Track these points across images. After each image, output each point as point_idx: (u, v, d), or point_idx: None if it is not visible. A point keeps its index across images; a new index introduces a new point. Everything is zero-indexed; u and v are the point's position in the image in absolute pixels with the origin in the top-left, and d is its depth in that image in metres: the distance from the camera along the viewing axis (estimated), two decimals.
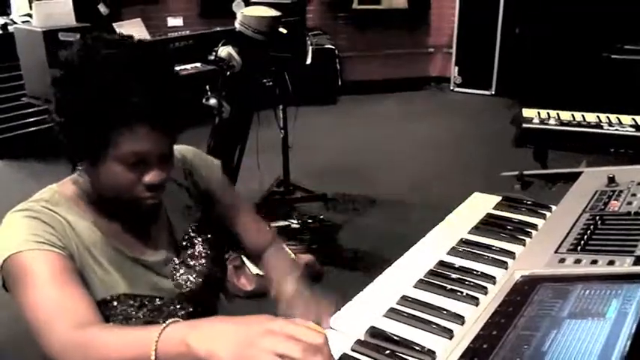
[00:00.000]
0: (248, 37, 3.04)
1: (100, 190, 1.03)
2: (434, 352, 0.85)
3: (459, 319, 0.92)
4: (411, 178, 4.17)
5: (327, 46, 5.72)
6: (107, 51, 0.95)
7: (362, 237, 3.45)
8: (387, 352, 0.86)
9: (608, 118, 2.19)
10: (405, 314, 0.94)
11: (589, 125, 2.10)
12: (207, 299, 1.22)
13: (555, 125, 2.08)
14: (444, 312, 0.94)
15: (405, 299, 0.98)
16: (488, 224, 1.23)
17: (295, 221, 3.61)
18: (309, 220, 3.67)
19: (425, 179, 4.15)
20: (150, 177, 1.00)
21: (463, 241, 1.16)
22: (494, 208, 1.30)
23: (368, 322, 0.92)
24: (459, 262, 1.09)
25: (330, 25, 5.96)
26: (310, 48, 3.94)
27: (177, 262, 1.15)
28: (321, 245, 3.42)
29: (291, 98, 3.80)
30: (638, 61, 4.10)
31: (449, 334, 0.89)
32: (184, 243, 1.17)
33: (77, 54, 0.96)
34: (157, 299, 1.09)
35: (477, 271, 1.04)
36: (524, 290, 0.91)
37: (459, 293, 0.98)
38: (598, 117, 2.20)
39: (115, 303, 1.04)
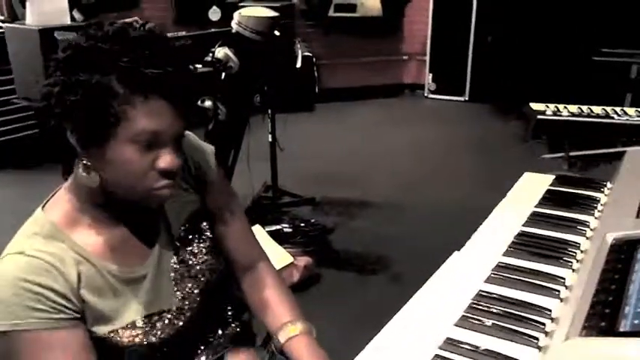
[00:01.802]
0: (246, 37, 3.03)
1: (109, 184, 0.94)
2: (550, 311, 0.86)
3: (560, 282, 0.94)
4: (395, 182, 4.23)
5: (304, 54, 5.75)
6: (118, 27, 0.90)
7: (354, 239, 3.47)
8: (501, 312, 0.86)
9: (613, 109, 2.28)
10: (508, 279, 0.95)
11: (599, 116, 2.18)
12: (215, 296, 1.16)
13: (569, 116, 2.15)
14: (543, 274, 0.95)
15: (500, 266, 0.99)
16: (551, 200, 1.26)
17: (287, 225, 3.60)
18: (301, 224, 3.67)
19: (409, 182, 4.22)
20: (164, 162, 0.92)
21: (535, 214, 1.18)
22: (552, 185, 1.34)
23: (476, 287, 0.93)
24: (538, 231, 1.11)
25: (307, 33, 5.99)
26: (300, 52, 3.96)
27: (177, 262, 1.08)
28: (315, 248, 3.42)
29: (278, 104, 3.81)
30: (614, 63, 4.28)
31: (556, 295, 0.90)
32: (182, 239, 1.10)
33: (85, 33, 0.90)
34: (166, 312, 1.04)
35: (560, 239, 1.07)
36: (623, 251, 0.94)
37: (549, 259, 1.00)
38: (604, 109, 2.28)
39: (129, 332, 0.99)
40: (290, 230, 3.65)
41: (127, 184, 0.93)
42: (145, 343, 0.99)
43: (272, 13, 3.07)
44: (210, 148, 1.16)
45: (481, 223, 1.32)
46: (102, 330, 0.96)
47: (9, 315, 0.89)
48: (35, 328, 0.89)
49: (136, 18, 1.00)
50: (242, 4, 4.19)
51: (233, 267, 1.19)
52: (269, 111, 3.77)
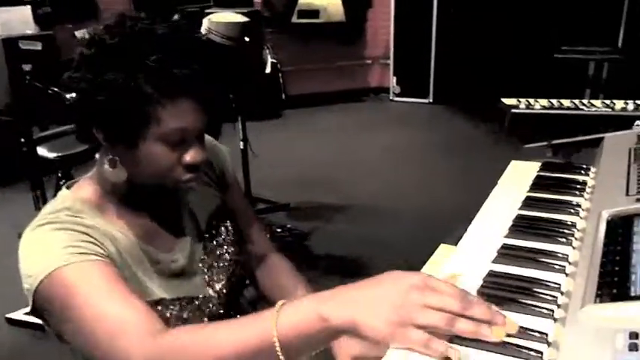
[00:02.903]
0: (216, 44, 3.03)
1: (136, 179, 0.97)
2: (559, 284, 0.90)
3: (564, 259, 0.98)
4: (369, 185, 4.29)
5: (270, 61, 5.76)
6: (146, 23, 0.91)
7: (332, 243, 3.50)
8: (513, 288, 0.90)
9: (581, 102, 2.37)
10: (514, 258, 0.99)
11: (570, 108, 2.26)
12: (239, 288, 1.21)
13: (541, 109, 2.22)
14: (547, 252, 1.00)
15: (505, 248, 1.04)
16: (542, 184, 1.31)
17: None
18: (278, 230, 3.67)
19: (382, 184, 4.29)
20: (191, 156, 0.95)
21: (529, 198, 1.23)
22: (540, 171, 1.39)
23: (485, 268, 0.97)
24: (535, 214, 1.16)
25: (271, 40, 6.01)
26: (269, 57, 3.97)
27: (204, 253, 1.12)
28: (294, 254, 3.43)
29: (248, 111, 3.81)
30: (573, 61, 4.44)
31: (562, 270, 0.94)
32: (209, 232, 1.14)
33: (108, 31, 0.91)
34: (195, 299, 1.06)
35: (556, 219, 1.12)
36: (620, 225, 0.99)
37: (550, 238, 1.05)
38: (572, 102, 2.37)
39: (160, 307, 0.99)
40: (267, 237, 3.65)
41: (154, 179, 0.96)
42: (173, 325, 0.99)
43: (242, 19, 3.09)
44: (226, 149, 1.22)
45: (459, 221, 1.37)
46: None
47: (44, 264, 0.87)
48: (72, 262, 0.87)
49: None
50: (207, 11, 4.20)
51: (249, 260, 1.25)
52: (239, 118, 3.78)
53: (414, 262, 1.40)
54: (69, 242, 0.89)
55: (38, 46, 2.78)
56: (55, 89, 2.67)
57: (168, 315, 1.00)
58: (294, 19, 6.03)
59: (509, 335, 0.75)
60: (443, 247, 1.48)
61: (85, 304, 0.84)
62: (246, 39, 3.30)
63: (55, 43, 2.82)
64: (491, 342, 0.73)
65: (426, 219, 3.57)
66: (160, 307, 0.99)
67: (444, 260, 1.17)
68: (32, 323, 2.55)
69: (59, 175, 2.96)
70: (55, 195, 2.07)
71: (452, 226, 1.51)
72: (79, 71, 0.91)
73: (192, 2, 5.26)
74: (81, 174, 1.08)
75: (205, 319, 1.07)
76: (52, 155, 2.96)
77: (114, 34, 0.90)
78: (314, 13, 6.02)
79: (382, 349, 1.04)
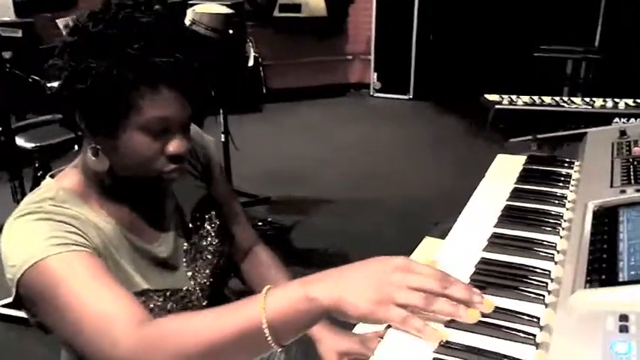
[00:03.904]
0: (200, 35, 3.01)
1: (118, 168, 0.96)
2: (549, 271, 0.93)
3: (552, 247, 1.01)
4: (349, 179, 4.31)
5: (252, 54, 5.74)
6: (129, 11, 0.90)
7: (314, 237, 3.52)
8: (505, 274, 0.92)
9: (562, 99, 2.41)
10: (506, 245, 1.02)
11: (551, 104, 2.30)
12: (223, 280, 1.21)
13: (524, 105, 2.26)
14: (536, 241, 1.03)
15: (495, 237, 1.06)
16: (528, 177, 1.34)
17: None
18: (259, 223, 3.67)
19: (363, 178, 4.32)
20: (174, 147, 0.94)
21: (516, 190, 1.26)
22: (526, 163, 1.42)
23: (477, 256, 0.99)
24: (522, 205, 1.19)
25: (252, 34, 5.99)
26: (252, 50, 3.96)
27: (188, 245, 1.11)
28: (275, 247, 3.44)
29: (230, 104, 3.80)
30: (552, 59, 4.52)
31: (551, 258, 0.97)
32: (193, 224, 1.13)
33: (92, 18, 0.90)
34: (179, 292, 1.06)
35: (544, 210, 1.15)
36: (607, 215, 1.02)
37: (538, 227, 1.08)
38: (553, 99, 2.42)
39: (144, 298, 0.99)
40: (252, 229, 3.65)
41: (137, 168, 0.94)
42: (156, 316, 0.99)
43: (227, 10, 3.08)
44: (212, 140, 1.21)
45: (441, 214, 1.39)
46: None
47: (27, 254, 0.86)
48: (55, 253, 0.86)
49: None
50: (190, 2, 4.17)
51: (234, 250, 1.24)
52: (221, 111, 3.76)
53: (397, 255, 1.42)
54: (52, 233, 0.88)
55: (18, 33, 2.73)
56: (36, 77, 2.63)
57: (152, 306, 1.00)
58: (276, 13, 6.01)
59: (500, 319, 0.77)
60: (427, 240, 1.50)
61: (69, 294, 0.83)
62: (230, 31, 3.29)
63: (35, 31, 2.77)
64: (484, 325, 0.75)
65: (408, 212, 3.60)
66: (143, 298, 0.98)
67: (428, 252, 1.20)
68: (12, 317, 2.51)
69: (36, 165, 2.91)
70: (32, 186, 2.05)
71: (435, 219, 1.54)
72: (61, 58, 0.90)
73: None
74: (59, 165, 1.07)
75: (189, 311, 1.06)
76: (30, 145, 2.91)
77: (97, 21, 0.89)
78: (296, 7, 6.01)
79: (368, 346, 1.06)
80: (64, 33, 0.92)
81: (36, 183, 2.83)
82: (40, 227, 0.89)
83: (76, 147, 3.09)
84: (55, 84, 0.91)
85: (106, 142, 0.93)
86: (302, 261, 3.23)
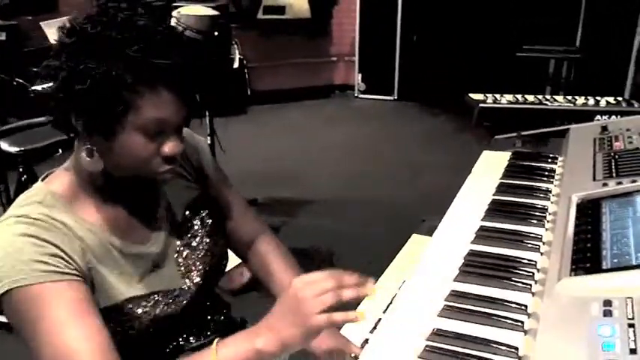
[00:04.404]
0: (190, 37, 3.01)
1: (113, 169, 0.96)
2: (535, 262, 0.96)
3: (538, 239, 1.04)
4: (335, 179, 4.32)
5: (237, 56, 5.74)
6: (128, 14, 0.90)
7: (300, 237, 3.51)
8: (493, 265, 0.94)
9: (544, 97, 2.46)
10: (493, 237, 1.04)
11: (534, 103, 2.35)
12: (214, 279, 1.20)
13: (507, 104, 2.31)
14: (522, 233, 1.05)
15: (483, 230, 1.08)
16: (514, 172, 1.37)
17: None
18: None
19: (349, 179, 4.33)
20: (169, 148, 0.94)
21: (502, 185, 1.29)
22: (511, 159, 1.45)
23: (465, 248, 1.01)
24: (508, 199, 1.22)
25: (236, 35, 5.99)
26: (237, 52, 3.97)
27: (179, 245, 1.11)
28: None
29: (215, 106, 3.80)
30: (534, 59, 4.58)
31: (537, 249, 1.00)
32: (185, 224, 1.13)
33: (90, 20, 0.90)
34: (170, 292, 1.07)
35: (529, 204, 1.17)
36: (591, 207, 1.05)
37: (524, 220, 1.10)
38: (536, 97, 2.46)
39: (131, 305, 1.00)
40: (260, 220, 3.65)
41: (131, 169, 0.95)
42: (144, 321, 1.00)
43: (213, 12, 3.08)
44: (203, 140, 1.21)
45: (427, 213, 1.41)
46: (107, 301, 0.97)
47: (11, 273, 0.87)
48: (39, 282, 0.87)
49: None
50: (174, 4, 4.16)
51: (237, 245, 1.25)
52: (207, 113, 3.76)
53: (386, 253, 1.44)
54: (37, 256, 0.88)
55: (2, 36, 2.71)
56: (20, 80, 2.61)
57: (139, 312, 1.00)
58: (260, 15, 6.00)
59: (489, 307, 0.80)
60: (415, 238, 1.52)
61: (45, 326, 0.86)
62: (216, 33, 3.29)
63: (19, 34, 2.75)
64: (476, 315, 0.77)
65: (395, 211, 3.62)
66: (130, 305, 0.99)
67: (416, 250, 1.22)
68: None
69: (20, 169, 2.89)
70: (16, 190, 2.01)
71: (421, 218, 1.56)
72: (58, 59, 0.91)
73: None
74: (43, 169, 1.06)
75: (174, 312, 1.07)
76: (14, 149, 2.89)
77: (95, 23, 0.90)
78: (280, 9, 6.01)
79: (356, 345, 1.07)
80: (49, 36, 0.92)
81: (20, 187, 2.81)
82: (25, 246, 0.89)
83: (60, 150, 3.07)
84: (45, 85, 0.91)
85: (101, 143, 0.94)
86: None
